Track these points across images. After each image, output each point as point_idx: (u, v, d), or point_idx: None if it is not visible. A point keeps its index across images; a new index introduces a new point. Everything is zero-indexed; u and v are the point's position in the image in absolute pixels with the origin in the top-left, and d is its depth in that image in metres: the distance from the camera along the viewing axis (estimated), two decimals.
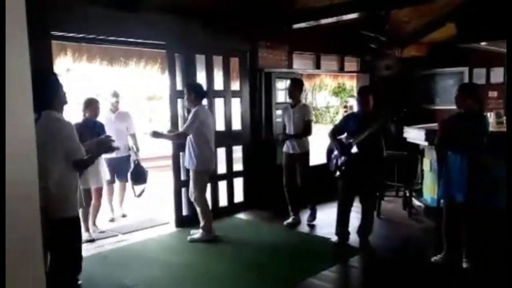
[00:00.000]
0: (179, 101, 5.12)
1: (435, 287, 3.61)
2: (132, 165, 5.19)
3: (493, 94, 7.34)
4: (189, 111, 4.71)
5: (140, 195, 5.19)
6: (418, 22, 7.01)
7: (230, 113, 5.63)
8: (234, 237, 4.79)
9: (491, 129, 5.11)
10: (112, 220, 5.40)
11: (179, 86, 5.08)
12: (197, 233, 4.64)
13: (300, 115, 5.02)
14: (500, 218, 3.93)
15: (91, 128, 4.54)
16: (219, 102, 5.54)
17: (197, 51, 5.22)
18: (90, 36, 4.39)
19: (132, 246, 4.53)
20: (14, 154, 1.14)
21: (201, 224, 4.61)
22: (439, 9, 6.48)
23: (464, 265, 3.76)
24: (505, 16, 5.11)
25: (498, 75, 7.41)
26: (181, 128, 4.77)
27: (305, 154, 5.09)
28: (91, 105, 4.74)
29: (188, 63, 5.16)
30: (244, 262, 4.07)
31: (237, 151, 5.89)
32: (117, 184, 5.48)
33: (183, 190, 5.21)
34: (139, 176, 5.14)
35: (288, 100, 5.77)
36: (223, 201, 5.62)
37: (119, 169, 5.33)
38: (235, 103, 5.68)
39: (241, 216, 5.56)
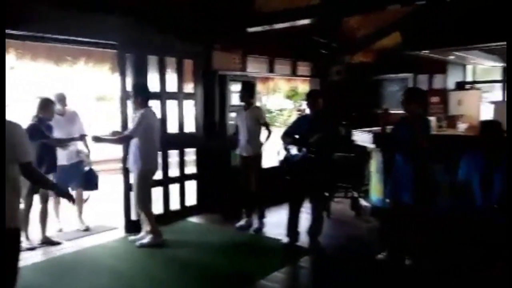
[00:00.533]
0: (129, 103, 5.03)
1: (380, 283, 3.77)
2: (83, 170, 5.03)
3: (435, 99, 7.76)
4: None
5: (86, 201, 5.15)
6: (367, 30, 7.30)
7: (183, 115, 5.59)
8: (186, 241, 4.76)
9: (433, 132, 5.44)
10: (60, 230, 5.05)
11: (130, 87, 4.98)
12: (145, 238, 4.57)
13: (253, 117, 5.09)
14: (442, 220, 4.21)
15: (42, 130, 4.37)
16: (172, 104, 5.48)
17: (149, 52, 5.15)
18: (37, 34, 4.22)
19: (77, 254, 4.37)
20: None
21: (148, 228, 4.54)
22: (387, 18, 6.78)
23: (407, 262, 3.95)
24: (446, 26, 5.45)
25: (439, 81, 7.87)
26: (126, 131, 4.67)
27: (258, 157, 5.15)
28: (46, 106, 4.46)
29: (140, 64, 5.07)
30: (195, 266, 4.05)
31: (190, 154, 5.86)
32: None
33: (132, 194, 5.11)
34: (90, 182, 5.02)
35: (241, 103, 5.83)
36: (175, 205, 5.56)
37: (72, 177, 4.96)
38: (189, 105, 5.65)
39: (194, 219, 5.53)
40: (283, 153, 4.60)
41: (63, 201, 4.74)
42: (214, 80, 5.89)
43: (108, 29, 4.59)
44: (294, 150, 4.43)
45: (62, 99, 5.01)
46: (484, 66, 8.66)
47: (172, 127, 5.50)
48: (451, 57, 6.98)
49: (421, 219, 3.92)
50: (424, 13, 5.93)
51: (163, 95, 5.34)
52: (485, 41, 5.47)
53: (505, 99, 7.92)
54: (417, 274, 3.76)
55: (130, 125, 4.64)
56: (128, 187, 5.01)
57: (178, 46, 5.41)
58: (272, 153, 5.86)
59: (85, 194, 5.09)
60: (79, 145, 5.09)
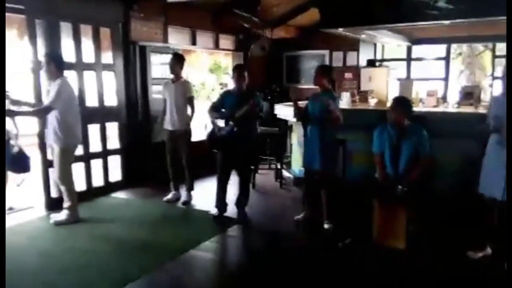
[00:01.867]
0: (42, 73, 4.67)
1: (300, 244, 4.07)
2: (12, 151, 4.48)
3: (348, 75, 8.27)
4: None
5: (19, 184, 4.67)
6: (286, 6, 7.47)
7: (102, 87, 5.32)
8: (111, 216, 4.64)
9: (347, 106, 5.84)
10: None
11: (42, 56, 4.62)
12: (62, 215, 4.39)
13: (182, 91, 5.00)
14: (350, 186, 4.62)
15: None
16: (90, 76, 5.18)
17: (62, 18, 4.78)
18: None
19: None
20: None
21: (67, 204, 4.37)
22: None
23: (326, 225, 4.30)
24: (358, 6, 5.78)
25: (353, 58, 8.37)
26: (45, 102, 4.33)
27: (187, 131, 5.11)
28: None
29: (52, 31, 4.71)
30: (123, 239, 4.00)
31: (111, 128, 5.64)
32: None
33: (50, 170, 4.83)
34: (20, 164, 4.51)
35: (165, 75, 5.72)
36: (98, 181, 5.37)
37: None
38: (108, 77, 5.38)
39: (119, 194, 5.38)
40: (210, 127, 4.62)
41: None
42: (134, 51, 5.68)
43: None
44: (221, 124, 4.48)
45: None
46: (391, 45, 9.38)
47: (91, 100, 5.21)
48: (363, 36, 7.45)
49: (331, 184, 4.28)
50: None
51: (79, 66, 5.02)
52: (392, 21, 5.93)
53: (409, 78, 8.72)
54: (334, 235, 4.09)
55: (45, 98, 4.33)
56: (46, 164, 4.72)
57: (94, 13, 5.10)
58: (199, 126, 5.85)
59: (18, 177, 4.63)
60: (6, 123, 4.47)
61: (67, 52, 4.87)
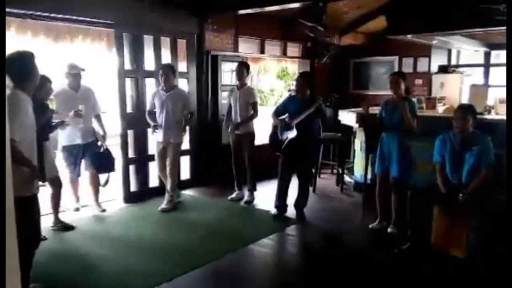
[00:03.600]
0: (127, 80, 5.25)
1: (360, 247, 4.16)
2: (97, 151, 4.71)
3: (419, 82, 8.08)
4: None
5: (105, 184, 4.87)
6: (355, 13, 7.53)
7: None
8: (182, 212, 5.08)
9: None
10: (77, 209, 4.95)
11: (127, 65, 5.21)
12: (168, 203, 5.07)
13: (246, 97, 5.33)
14: (416, 193, 4.57)
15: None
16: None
17: (145, 31, 5.35)
18: (36, 13, 4.39)
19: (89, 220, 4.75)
20: None
21: (171, 192, 5.07)
22: (373, 2, 7.02)
23: (389, 230, 4.35)
24: (428, 12, 5.72)
25: (424, 64, 8.16)
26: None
27: (250, 134, 5.42)
28: (40, 84, 3.61)
29: (136, 43, 5.28)
30: (191, 231, 4.41)
31: None
32: (86, 175, 4.87)
33: (131, 167, 5.40)
34: (104, 163, 4.70)
35: (233, 82, 6.10)
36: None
37: (86, 157, 4.73)
38: (183, 84, 5.87)
39: (188, 192, 5.82)
40: (274, 131, 4.88)
41: (82, 183, 4.95)
42: (207, 60, 6.11)
43: (106, 8, 4.77)
44: (284, 129, 4.71)
45: (74, 71, 4.60)
46: (468, 51, 8.98)
47: None
48: (434, 42, 7.28)
49: (405, 191, 4.28)
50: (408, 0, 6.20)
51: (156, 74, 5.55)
52: (466, 27, 5.78)
53: (486, 83, 8.30)
54: (398, 240, 4.12)
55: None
56: (126, 161, 5.30)
57: (172, 26, 5.61)
58: (263, 130, 6.13)
59: (103, 176, 4.84)
60: (94, 124, 4.82)
61: (148, 62, 5.41)
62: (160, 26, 5.46)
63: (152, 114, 5.04)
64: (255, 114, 5.37)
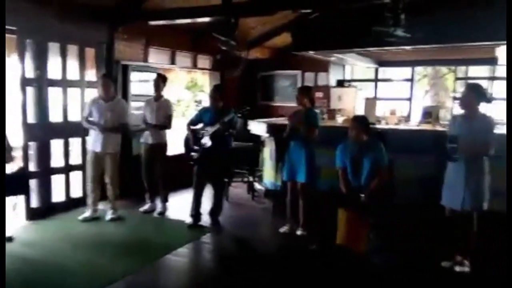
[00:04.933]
0: (29, 89, 4.94)
1: (272, 250, 4.42)
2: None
3: (319, 95, 8.75)
4: None
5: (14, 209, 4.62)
6: (261, 29, 7.94)
7: (85, 103, 5.58)
8: (94, 226, 4.89)
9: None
10: None
11: (29, 74, 4.90)
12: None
13: (163, 109, 5.36)
14: (321, 197, 4.97)
15: None
16: (74, 92, 5.48)
17: (50, 38, 5.08)
18: None
19: None
20: None
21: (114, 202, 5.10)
22: (278, 20, 7.49)
23: (298, 232, 4.66)
24: (328, 32, 6.30)
25: (323, 78, 8.89)
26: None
27: (163, 145, 5.43)
28: None
29: (40, 50, 4.99)
30: (103, 246, 4.29)
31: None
32: None
33: (32, 182, 5.05)
34: (16, 184, 4.37)
35: (144, 92, 6.06)
36: (77, 192, 5.60)
37: None
38: (92, 93, 5.66)
39: (99, 206, 5.57)
40: (188, 141, 4.96)
41: None
42: (117, 70, 5.97)
43: (8, 13, 4.44)
44: (198, 139, 4.83)
45: None
46: (360, 67, 9.97)
47: (76, 115, 5.48)
48: (332, 58, 7.99)
49: (311, 195, 4.64)
50: (310, 19, 6.77)
51: (64, 83, 5.30)
52: (360, 46, 6.47)
53: (375, 97, 9.28)
54: (306, 242, 4.44)
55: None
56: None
57: (80, 34, 5.40)
58: (176, 141, 6.16)
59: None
60: None
61: (54, 70, 5.15)
62: (68, 33, 5.23)
63: (90, 121, 5.03)
64: (169, 126, 5.41)
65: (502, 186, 3.57)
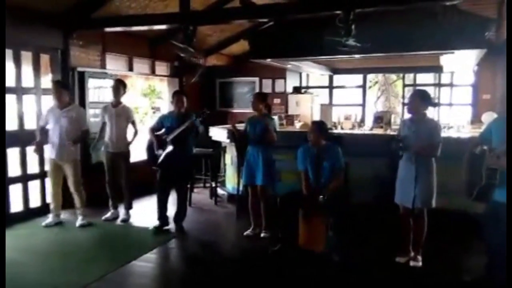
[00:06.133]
0: None
1: (237, 251, 4.51)
2: None
3: (277, 101, 8.98)
4: None
5: None
6: (218, 36, 8.06)
7: (41, 111, 5.44)
8: (51, 235, 4.78)
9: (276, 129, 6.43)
10: None
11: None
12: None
13: (124, 115, 5.32)
14: (282, 199, 5.10)
15: None
16: (30, 100, 5.33)
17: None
18: None
19: None
20: None
21: (82, 208, 5.09)
22: (235, 28, 7.65)
23: (262, 234, 4.78)
24: (284, 40, 6.50)
25: (280, 85, 9.12)
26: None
27: (126, 153, 5.39)
28: None
29: None
30: (66, 255, 4.21)
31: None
32: None
33: None
34: None
35: (101, 99, 6.02)
36: (36, 202, 5.45)
37: None
38: (48, 100, 5.53)
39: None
40: (150, 147, 4.98)
41: None
42: (73, 76, 5.87)
43: None
44: (161, 144, 4.85)
45: None
46: (315, 74, 10.31)
47: (31, 123, 5.33)
48: (289, 66, 8.23)
49: (271, 197, 4.77)
50: (266, 28, 6.97)
51: (19, 90, 5.15)
52: (313, 54, 6.73)
53: (330, 103, 9.64)
54: (270, 244, 4.55)
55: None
56: None
57: (34, 40, 5.27)
58: (138, 147, 6.12)
59: None
60: None
61: (8, 77, 4.99)
62: (21, 39, 5.08)
63: (45, 130, 4.93)
64: (136, 133, 5.40)
65: (449, 184, 3.89)
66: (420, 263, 3.99)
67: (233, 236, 5.00)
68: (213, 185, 6.47)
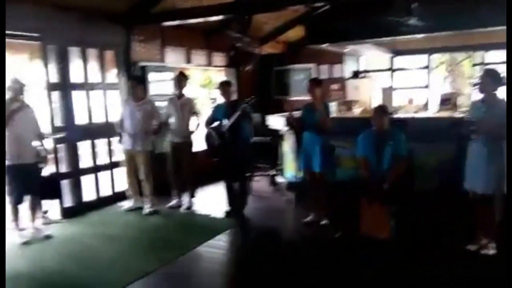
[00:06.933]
0: (54, 94, 5.11)
1: (295, 240, 4.50)
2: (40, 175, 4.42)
3: (334, 87, 8.78)
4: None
5: (44, 213, 4.75)
6: (274, 23, 8.00)
7: (107, 104, 5.74)
8: (121, 222, 5.06)
9: (333, 115, 6.30)
10: (26, 243, 4.35)
11: (53, 78, 5.07)
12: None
13: (188, 107, 5.48)
14: (342, 186, 5.02)
15: None
16: (96, 95, 5.64)
17: (71, 43, 5.24)
18: None
19: None
20: None
21: (150, 197, 5.39)
22: (290, 14, 7.53)
23: (322, 222, 4.72)
24: (342, 23, 6.32)
25: (338, 71, 8.89)
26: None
27: (189, 143, 5.54)
28: None
29: (62, 55, 5.15)
30: (135, 240, 4.47)
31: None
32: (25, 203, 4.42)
33: (64, 182, 5.23)
34: (50, 189, 4.47)
35: (161, 92, 6.25)
36: (107, 191, 5.78)
37: (27, 181, 4.25)
38: (114, 94, 5.81)
39: (125, 203, 5.70)
40: (209, 138, 5.10)
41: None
42: (135, 71, 6.10)
43: (31, 21, 4.62)
44: (218, 135, 4.96)
45: (18, 83, 4.27)
46: (375, 57, 9.93)
47: (100, 117, 5.66)
48: (347, 50, 8.00)
49: (330, 184, 4.69)
50: (323, 11, 6.79)
51: (87, 85, 5.47)
52: (373, 36, 6.47)
53: (391, 87, 9.26)
54: (333, 232, 4.50)
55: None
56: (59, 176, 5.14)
57: (99, 38, 5.55)
58: (200, 138, 6.28)
59: (45, 203, 4.69)
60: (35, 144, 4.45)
61: (76, 74, 5.32)
62: (87, 37, 5.37)
63: (122, 123, 5.27)
64: (199, 124, 5.51)
65: None
66: (492, 251, 3.75)
67: (293, 224, 5.00)
68: (272, 173, 6.49)
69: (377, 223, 4.25)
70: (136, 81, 5.43)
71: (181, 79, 5.53)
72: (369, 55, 9.49)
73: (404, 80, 10.14)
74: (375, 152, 4.35)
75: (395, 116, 6.00)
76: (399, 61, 10.05)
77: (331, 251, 4.10)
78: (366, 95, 8.42)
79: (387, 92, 7.43)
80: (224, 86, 5.15)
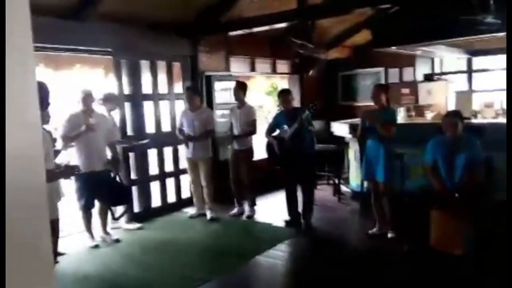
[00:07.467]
0: (126, 104, 5.41)
1: (363, 252, 4.33)
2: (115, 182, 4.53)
3: (405, 91, 8.34)
4: None
5: (119, 218, 4.86)
6: (339, 28, 7.82)
7: (174, 114, 5.96)
8: (185, 228, 5.19)
9: (403, 121, 6.00)
10: (96, 247, 4.59)
11: (125, 90, 5.37)
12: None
13: (246, 115, 5.52)
14: (411, 198, 4.74)
15: None
16: (164, 105, 5.89)
17: (141, 57, 5.53)
18: (39, 45, 4.52)
19: None
20: (18, 155, 1.01)
21: (211, 203, 5.53)
22: (356, 17, 7.31)
23: (389, 235, 4.49)
24: (411, 24, 6.00)
25: (409, 74, 8.44)
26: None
27: (249, 150, 5.59)
28: None
29: (133, 68, 5.45)
30: (196, 248, 4.55)
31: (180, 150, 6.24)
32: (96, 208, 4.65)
33: (134, 188, 5.50)
34: (119, 195, 4.55)
35: (227, 101, 6.30)
36: (171, 198, 5.99)
37: (98, 188, 4.42)
38: (180, 104, 6.03)
39: (189, 210, 5.87)
40: (270, 146, 5.08)
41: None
42: (201, 81, 6.29)
43: (103, 37, 4.94)
44: (279, 143, 4.93)
45: (88, 94, 4.49)
46: (450, 59, 9.32)
47: (167, 126, 5.93)
48: (418, 52, 7.58)
49: (396, 194, 4.45)
50: (390, 13, 6.50)
51: (155, 96, 5.72)
52: (447, 37, 6.07)
53: (470, 88, 8.62)
54: (398, 245, 4.28)
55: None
56: (129, 183, 5.44)
57: (167, 50, 5.80)
58: (261, 145, 6.30)
59: (119, 210, 4.83)
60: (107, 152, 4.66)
61: (146, 85, 5.60)
62: (155, 50, 5.64)
63: (182, 131, 5.47)
64: (254, 131, 5.55)
65: None
66: None
67: (357, 235, 4.79)
68: (336, 182, 6.31)
69: (448, 236, 3.95)
70: (193, 91, 5.56)
71: (237, 89, 5.57)
72: (444, 57, 8.93)
73: (483, 82, 9.39)
74: (446, 161, 4.06)
75: (473, 121, 5.57)
76: (478, 62, 9.34)
77: (398, 265, 3.86)
78: (441, 99, 7.91)
79: (463, 95, 6.91)
80: (283, 95, 5.12)
